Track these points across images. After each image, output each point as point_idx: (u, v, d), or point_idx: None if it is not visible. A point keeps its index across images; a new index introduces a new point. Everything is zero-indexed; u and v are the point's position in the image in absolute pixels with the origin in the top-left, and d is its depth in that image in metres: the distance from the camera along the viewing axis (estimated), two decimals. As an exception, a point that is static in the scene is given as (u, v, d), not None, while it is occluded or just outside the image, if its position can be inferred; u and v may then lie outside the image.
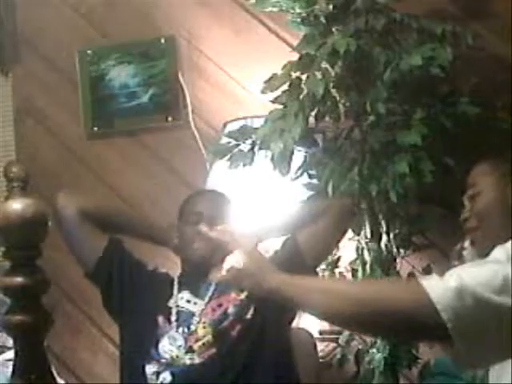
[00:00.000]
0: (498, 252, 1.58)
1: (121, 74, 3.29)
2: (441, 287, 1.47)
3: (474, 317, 1.45)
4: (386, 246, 2.59)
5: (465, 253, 2.03)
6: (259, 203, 2.69)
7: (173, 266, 2.49)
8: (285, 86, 2.59)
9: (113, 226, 2.47)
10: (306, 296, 1.63)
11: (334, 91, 2.58)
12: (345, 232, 2.47)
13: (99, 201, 2.66)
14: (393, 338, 1.84)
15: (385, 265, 2.58)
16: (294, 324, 2.51)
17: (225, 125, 2.92)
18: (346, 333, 2.76)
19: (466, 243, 2.01)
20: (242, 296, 2.35)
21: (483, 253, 1.83)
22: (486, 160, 1.93)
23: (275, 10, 2.75)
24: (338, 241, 2.46)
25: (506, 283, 1.46)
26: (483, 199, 1.87)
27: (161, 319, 2.34)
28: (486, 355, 1.53)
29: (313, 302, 1.62)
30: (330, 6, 2.63)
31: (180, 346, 2.29)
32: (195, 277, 2.39)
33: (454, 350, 1.47)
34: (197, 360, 2.28)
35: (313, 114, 2.58)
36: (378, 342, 2.57)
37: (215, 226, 2.35)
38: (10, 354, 2.21)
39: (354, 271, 2.62)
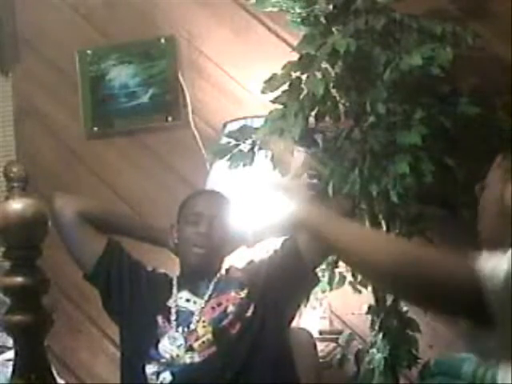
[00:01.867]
0: None
1: (121, 74, 3.30)
2: (493, 267, 1.43)
3: None
4: (386, 246, 2.59)
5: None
6: (259, 203, 2.68)
7: (173, 266, 2.49)
8: (285, 86, 2.59)
9: (111, 227, 2.46)
10: (343, 239, 1.54)
11: (334, 91, 2.58)
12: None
13: (97, 202, 2.66)
14: (429, 307, 1.73)
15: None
16: (294, 324, 2.51)
17: (225, 125, 2.92)
18: (346, 333, 2.76)
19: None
20: (242, 295, 2.35)
21: (485, 242, 1.82)
22: (502, 153, 1.89)
23: (275, 10, 2.75)
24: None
25: None
26: (486, 192, 1.85)
27: (160, 319, 2.34)
28: None
29: (350, 249, 1.52)
30: (330, 6, 2.63)
31: (180, 345, 2.29)
32: (194, 276, 2.39)
33: (493, 338, 1.44)
34: (197, 359, 2.28)
35: (313, 114, 2.58)
36: (378, 341, 2.56)
37: (215, 226, 2.36)
38: (10, 354, 2.21)
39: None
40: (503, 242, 1.63)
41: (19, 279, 1.37)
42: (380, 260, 1.45)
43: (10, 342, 2.18)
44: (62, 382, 2.57)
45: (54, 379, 1.47)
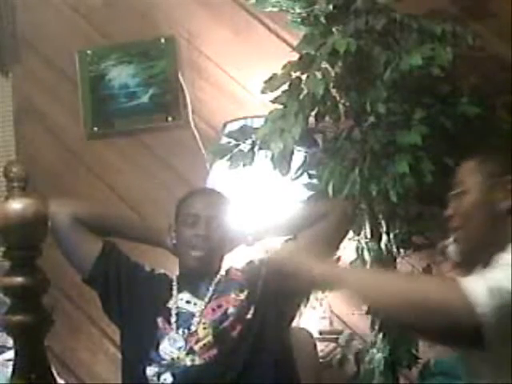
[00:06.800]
0: (507, 255, 1.59)
1: (121, 74, 3.30)
2: (477, 286, 1.47)
3: (507, 313, 1.45)
4: (386, 245, 2.59)
5: (449, 249, 2.02)
6: (259, 203, 2.69)
7: (173, 266, 2.49)
8: (285, 86, 2.59)
9: (107, 229, 2.46)
10: (353, 287, 1.64)
11: (334, 91, 2.58)
12: (345, 234, 2.46)
13: (92, 205, 2.65)
14: (430, 337, 1.80)
15: (385, 265, 2.57)
16: (294, 324, 2.51)
17: (225, 125, 2.92)
18: (346, 333, 2.76)
19: (450, 240, 2.00)
20: (242, 296, 2.35)
21: (466, 252, 1.83)
22: (475, 158, 1.91)
23: (275, 10, 2.75)
24: (339, 243, 2.45)
25: None
26: (468, 198, 1.86)
27: (160, 321, 2.34)
28: None
29: (353, 291, 1.65)
30: (330, 6, 2.63)
31: (180, 347, 2.29)
32: (194, 277, 2.39)
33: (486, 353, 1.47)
34: (198, 361, 2.27)
35: (313, 114, 2.58)
36: (378, 341, 2.57)
37: (213, 227, 2.35)
38: (10, 354, 2.20)
39: (354, 271, 2.62)
40: (491, 247, 1.64)
41: (19, 279, 1.37)
42: (382, 301, 1.57)
43: (9, 342, 2.18)
44: (62, 381, 2.56)
45: (54, 379, 1.47)
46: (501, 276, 1.51)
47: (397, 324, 1.72)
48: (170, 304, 2.36)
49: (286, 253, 1.76)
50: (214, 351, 2.28)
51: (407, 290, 1.56)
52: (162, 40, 3.25)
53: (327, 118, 2.62)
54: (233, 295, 2.36)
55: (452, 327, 1.49)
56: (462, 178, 1.90)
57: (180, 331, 2.31)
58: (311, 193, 2.62)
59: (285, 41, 3.07)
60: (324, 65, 2.56)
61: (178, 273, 2.45)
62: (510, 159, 1.86)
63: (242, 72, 3.16)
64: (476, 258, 1.64)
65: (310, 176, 2.64)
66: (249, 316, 2.32)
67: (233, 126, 2.80)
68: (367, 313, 2.61)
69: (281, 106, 2.59)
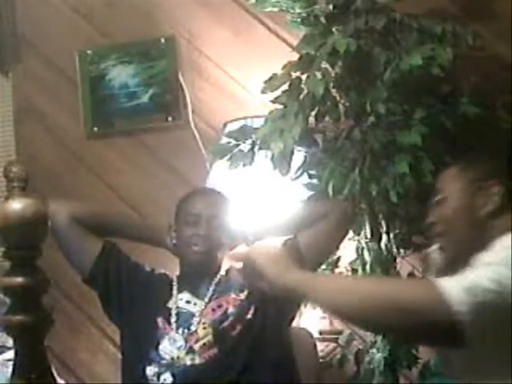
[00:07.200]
0: (487, 256, 1.60)
1: (121, 74, 3.30)
2: (453, 285, 1.48)
3: (488, 311, 1.46)
4: (386, 246, 2.59)
5: (433, 256, 2.03)
6: (259, 203, 2.69)
7: (173, 266, 2.49)
8: (285, 86, 2.59)
9: (106, 229, 2.46)
10: (322, 295, 1.63)
11: (334, 91, 2.58)
12: (345, 234, 2.46)
13: (91, 205, 2.64)
14: (407, 338, 1.82)
15: (385, 265, 2.58)
16: (294, 324, 2.51)
17: (225, 125, 2.92)
18: (346, 333, 2.76)
19: (434, 247, 2.02)
20: (242, 296, 2.35)
21: (450, 257, 1.84)
22: (455, 165, 1.93)
23: (275, 9, 2.75)
24: (339, 243, 2.46)
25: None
26: (450, 205, 1.87)
27: (160, 321, 2.34)
28: (502, 357, 1.53)
29: (329, 301, 1.62)
30: (330, 6, 2.63)
31: (180, 346, 2.29)
32: (194, 277, 2.39)
33: (467, 352, 1.47)
34: (197, 360, 2.28)
35: (313, 114, 2.58)
36: (378, 341, 2.56)
37: (213, 226, 2.36)
38: (10, 354, 2.20)
39: (354, 271, 2.62)
40: (474, 252, 1.65)
41: (19, 279, 1.37)
42: (357, 307, 1.56)
43: (9, 342, 2.18)
44: (62, 382, 2.56)
45: (54, 379, 1.47)
46: (477, 274, 1.52)
47: (373, 328, 1.71)
48: (170, 304, 2.36)
49: (264, 253, 1.75)
50: (214, 351, 2.28)
51: (384, 292, 1.56)
52: (163, 40, 3.25)
53: (327, 118, 2.61)
54: (233, 295, 2.36)
55: (430, 327, 1.50)
56: (443, 185, 1.92)
57: (180, 331, 2.31)
58: (311, 193, 2.61)
59: (285, 41, 3.07)
60: (324, 65, 2.56)
61: (178, 273, 2.45)
62: (491, 164, 1.88)
63: (242, 72, 3.16)
64: (460, 263, 1.65)
65: (310, 176, 2.64)
66: (249, 316, 2.32)
67: (233, 126, 2.80)
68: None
69: (281, 106, 2.59)
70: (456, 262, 1.74)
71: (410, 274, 2.67)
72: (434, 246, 2.00)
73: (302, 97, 2.55)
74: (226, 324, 2.31)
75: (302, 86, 2.56)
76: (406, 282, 1.86)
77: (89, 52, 3.33)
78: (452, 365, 1.79)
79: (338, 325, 2.90)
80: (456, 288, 1.48)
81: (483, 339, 1.47)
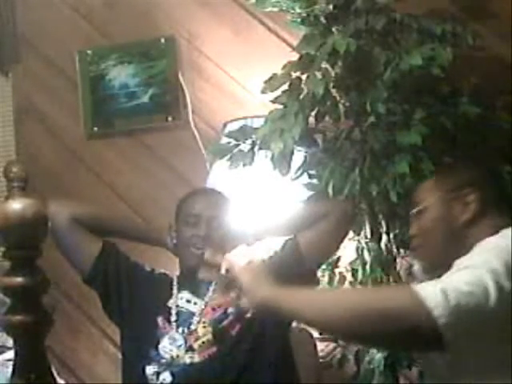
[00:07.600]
0: (466, 259, 1.61)
1: (121, 74, 3.30)
2: (432, 290, 1.49)
3: (465, 314, 1.47)
4: (386, 245, 2.59)
5: (414, 269, 2.04)
6: (259, 203, 2.69)
7: (173, 266, 2.49)
8: (285, 86, 2.58)
9: (106, 230, 2.45)
10: (298, 309, 1.64)
11: (334, 91, 2.58)
12: (346, 235, 2.46)
13: (91, 205, 2.64)
14: (388, 346, 1.83)
15: (385, 265, 2.58)
16: (294, 324, 2.51)
17: (225, 125, 2.92)
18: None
19: (415, 260, 2.02)
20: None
21: (429, 268, 1.85)
22: (433, 177, 1.94)
23: (275, 9, 2.75)
24: (339, 243, 2.45)
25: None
26: (428, 216, 1.88)
27: (160, 320, 2.34)
28: (482, 358, 1.54)
29: (305, 315, 1.64)
30: (330, 6, 2.63)
31: (180, 345, 2.29)
32: (194, 277, 2.39)
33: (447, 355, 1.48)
34: (197, 359, 2.28)
35: (313, 114, 2.58)
36: (378, 342, 2.56)
37: (214, 227, 2.36)
38: (10, 354, 2.21)
39: (354, 271, 2.62)
40: (449, 263, 1.66)
41: (19, 279, 1.37)
42: (334, 319, 1.57)
43: (9, 342, 2.18)
44: (62, 382, 2.56)
45: (54, 379, 1.47)
46: (455, 278, 1.54)
47: (356, 338, 1.72)
48: (170, 303, 2.37)
49: (244, 268, 1.76)
50: (213, 349, 2.28)
51: (365, 302, 1.57)
52: (162, 40, 3.25)
53: (327, 118, 2.61)
54: (233, 294, 2.36)
55: (410, 332, 1.51)
56: (421, 197, 1.92)
57: (180, 330, 2.31)
58: (311, 193, 2.61)
59: (285, 41, 3.07)
60: (324, 65, 2.56)
61: (178, 272, 2.45)
62: (468, 172, 1.89)
63: (242, 72, 3.16)
64: (440, 273, 1.66)
65: (310, 176, 2.64)
66: (248, 315, 2.32)
67: (233, 126, 2.80)
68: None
69: (281, 106, 2.58)
70: (435, 272, 1.75)
71: (410, 274, 2.66)
72: (416, 266, 2.00)
73: (302, 97, 2.55)
74: (225, 323, 2.32)
75: (302, 85, 2.56)
76: (385, 290, 1.86)
77: (89, 52, 3.33)
78: (434, 368, 1.80)
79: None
80: (434, 293, 1.49)
81: (463, 342, 1.48)
